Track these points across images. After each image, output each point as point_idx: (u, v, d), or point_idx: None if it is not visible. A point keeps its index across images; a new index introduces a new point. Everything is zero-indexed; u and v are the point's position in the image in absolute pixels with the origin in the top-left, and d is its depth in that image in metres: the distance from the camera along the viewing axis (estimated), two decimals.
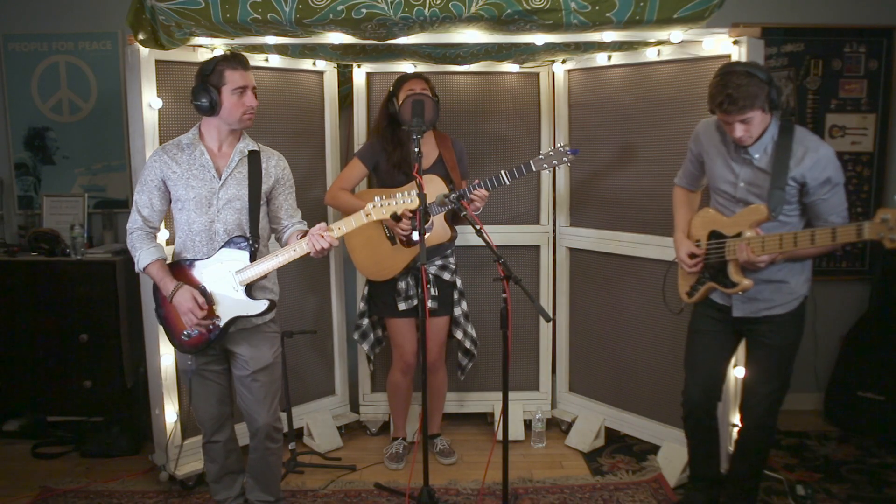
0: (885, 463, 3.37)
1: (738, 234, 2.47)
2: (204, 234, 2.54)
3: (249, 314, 2.55)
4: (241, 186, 2.56)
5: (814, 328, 3.90)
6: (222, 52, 2.58)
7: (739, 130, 2.38)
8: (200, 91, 2.47)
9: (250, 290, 2.54)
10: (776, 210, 2.39)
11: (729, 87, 2.30)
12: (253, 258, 2.52)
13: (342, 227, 2.50)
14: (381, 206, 2.44)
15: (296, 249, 2.50)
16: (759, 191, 2.46)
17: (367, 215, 2.46)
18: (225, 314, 2.53)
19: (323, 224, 2.51)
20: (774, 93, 2.36)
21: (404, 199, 2.44)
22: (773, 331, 2.56)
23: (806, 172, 2.38)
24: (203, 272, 2.53)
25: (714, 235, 2.58)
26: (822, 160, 2.37)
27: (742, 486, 2.73)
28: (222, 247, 2.53)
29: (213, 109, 2.48)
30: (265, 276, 2.55)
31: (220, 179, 2.54)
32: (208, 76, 2.48)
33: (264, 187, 2.59)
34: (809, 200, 2.42)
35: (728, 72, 2.35)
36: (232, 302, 2.53)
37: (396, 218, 2.49)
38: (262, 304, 2.54)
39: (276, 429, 2.69)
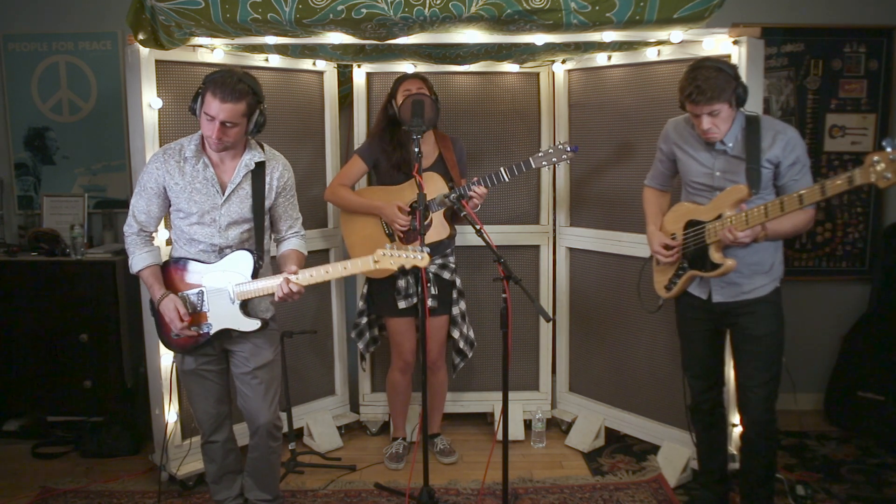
0: (885, 463, 3.37)
1: (718, 217, 2.50)
2: (205, 244, 2.53)
3: (240, 329, 2.53)
4: (244, 203, 2.52)
5: (814, 328, 3.91)
6: (219, 73, 2.39)
7: (707, 122, 2.46)
8: (195, 96, 2.43)
9: (246, 305, 2.53)
10: (756, 187, 2.45)
11: (698, 80, 2.40)
12: (255, 274, 2.51)
13: (348, 267, 2.49)
14: (391, 255, 2.43)
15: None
16: (736, 177, 2.52)
17: (375, 262, 2.46)
18: (216, 323, 2.53)
19: (294, 268, 2.48)
20: (741, 89, 2.47)
21: (415, 255, 2.44)
22: (754, 321, 2.59)
23: (779, 153, 2.47)
24: (205, 276, 2.53)
25: (690, 225, 2.62)
26: (792, 141, 2.48)
27: (755, 492, 2.71)
28: (228, 256, 2.52)
29: (194, 114, 2.45)
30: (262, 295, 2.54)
31: (223, 195, 2.50)
32: (202, 86, 2.40)
33: (267, 202, 2.56)
34: (782, 182, 2.50)
35: (697, 66, 2.45)
36: (226, 313, 2.52)
37: (404, 271, 2.51)
38: (254, 323, 2.53)
39: (277, 427, 2.69)
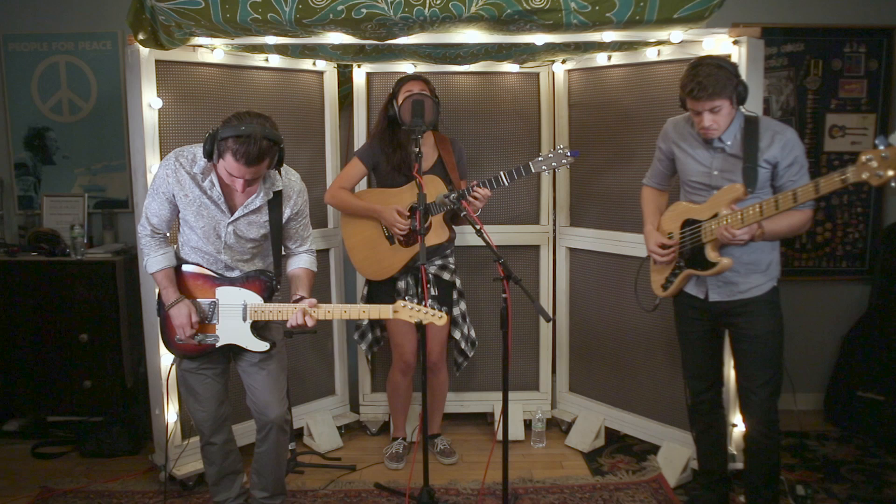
0: (885, 463, 3.37)
1: (715, 216, 2.51)
2: (210, 257, 2.53)
3: (248, 348, 2.54)
4: (252, 225, 2.50)
5: (814, 328, 3.91)
6: (239, 132, 2.23)
7: (707, 120, 2.46)
8: (210, 139, 2.30)
9: (256, 325, 2.53)
10: (751, 186, 2.46)
11: (699, 76, 2.41)
12: (270, 297, 2.52)
13: (367, 311, 2.55)
14: (411, 308, 2.49)
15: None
16: (733, 176, 2.53)
17: (394, 312, 2.49)
18: (224, 337, 2.53)
19: (314, 300, 2.49)
20: (741, 87, 2.47)
21: (433, 313, 2.48)
22: (751, 321, 2.59)
23: (777, 153, 2.48)
24: (219, 288, 2.53)
25: (688, 224, 2.63)
26: (790, 142, 2.48)
27: (760, 493, 2.71)
28: (245, 273, 2.53)
29: (210, 159, 2.36)
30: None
31: (230, 216, 2.48)
32: (218, 139, 2.27)
33: (283, 221, 2.56)
34: (780, 183, 2.50)
35: (699, 63, 2.46)
36: (236, 329, 2.52)
37: (420, 326, 2.55)
38: (263, 345, 2.53)
39: (287, 421, 2.69)
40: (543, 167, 3.01)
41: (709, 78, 2.39)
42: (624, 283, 3.44)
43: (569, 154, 3.00)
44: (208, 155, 2.34)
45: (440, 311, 2.50)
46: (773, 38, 3.74)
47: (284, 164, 2.52)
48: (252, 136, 2.23)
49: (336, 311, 2.52)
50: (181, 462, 3.11)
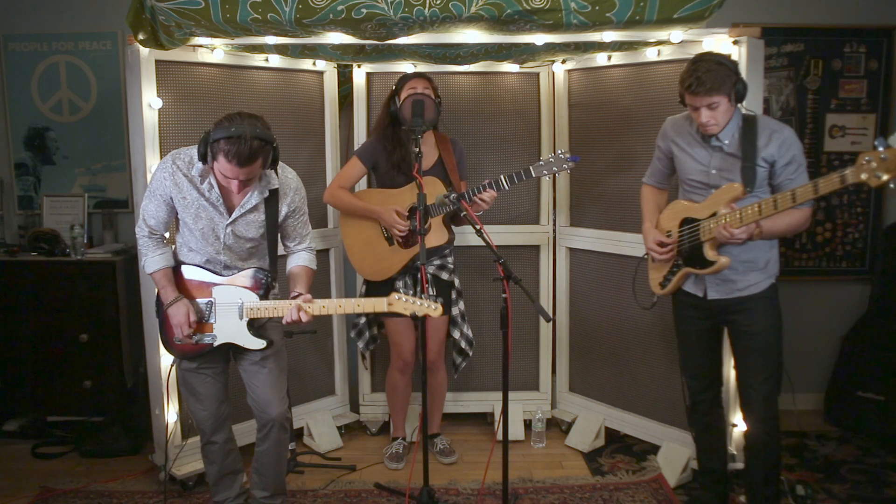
0: (885, 463, 3.37)
1: (714, 215, 2.52)
2: (209, 258, 2.53)
3: (245, 346, 2.54)
4: (251, 226, 2.51)
5: (814, 328, 3.91)
6: (230, 133, 2.23)
7: (705, 115, 2.46)
8: (203, 141, 2.31)
9: (253, 324, 2.53)
10: (750, 185, 2.47)
11: (699, 71, 2.42)
12: (266, 294, 2.52)
13: (361, 304, 2.56)
14: (405, 300, 2.49)
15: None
16: (731, 175, 2.53)
17: (389, 305, 2.50)
18: (222, 336, 2.53)
19: (308, 296, 2.50)
20: (740, 85, 2.48)
21: (428, 304, 2.48)
22: (749, 318, 2.59)
23: (774, 152, 2.49)
24: (216, 288, 2.53)
25: (686, 222, 2.63)
26: (787, 140, 2.49)
27: (760, 491, 2.71)
28: (242, 272, 2.53)
29: (204, 162, 2.36)
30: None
31: (228, 217, 2.48)
32: (210, 141, 2.28)
33: (279, 220, 2.56)
34: (777, 182, 2.51)
35: (699, 59, 2.47)
36: (233, 328, 2.52)
37: (416, 317, 2.55)
38: (259, 343, 2.54)
39: (288, 419, 2.69)
40: (544, 171, 3.01)
41: (708, 74, 2.40)
42: (624, 284, 3.43)
43: (569, 158, 3.00)
44: (202, 157, 2.35)
45: (435, 301, 2.49)
46: (773, 38, 3.74)
47: (281, 163, 2.51)
48: (242, 136, 2.24)
49: (331, 305, 2.52)
50: (181, 462, 3.11)
